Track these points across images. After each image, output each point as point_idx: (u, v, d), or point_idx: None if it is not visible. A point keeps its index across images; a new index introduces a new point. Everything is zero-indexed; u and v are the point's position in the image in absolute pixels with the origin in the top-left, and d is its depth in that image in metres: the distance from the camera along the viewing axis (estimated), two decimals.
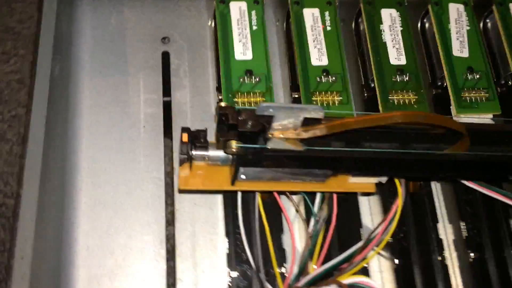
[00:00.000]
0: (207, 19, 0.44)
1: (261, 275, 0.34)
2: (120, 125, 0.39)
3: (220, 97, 0.38)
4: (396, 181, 0.35)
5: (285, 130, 0.30)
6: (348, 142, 0.31)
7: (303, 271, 0.34)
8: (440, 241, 0.37)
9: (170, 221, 0.37)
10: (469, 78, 0.39)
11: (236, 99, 0.36)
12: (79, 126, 0.38)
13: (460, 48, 0.41)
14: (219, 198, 0.37)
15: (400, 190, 0.35)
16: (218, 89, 0.39)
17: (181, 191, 0.37)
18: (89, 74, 0.40)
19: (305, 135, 0.30)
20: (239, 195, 0.35)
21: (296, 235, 0.36)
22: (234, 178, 0.32)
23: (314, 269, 0.34)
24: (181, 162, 0.32)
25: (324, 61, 0.39)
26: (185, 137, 0.32)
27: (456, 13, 0.42)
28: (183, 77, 0.42)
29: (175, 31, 0.43)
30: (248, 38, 0.38)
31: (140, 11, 0.43)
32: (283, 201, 0.35)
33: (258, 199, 0.35)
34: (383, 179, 0.35)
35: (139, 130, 0.39)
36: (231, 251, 0.35)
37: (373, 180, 0.34)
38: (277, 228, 0.36)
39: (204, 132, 0.32)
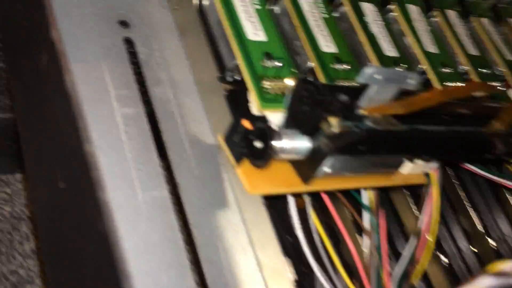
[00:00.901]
0: (167, 4, 0.36)
1: None
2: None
3: (227, 89, 0.30)
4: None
5: (373, 106, 0.25)
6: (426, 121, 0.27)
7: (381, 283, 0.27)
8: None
9: None
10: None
11: (264, 86, 0.29)
12: None
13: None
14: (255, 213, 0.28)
15: (435, 177, 0.32)
16: (222, 79, 0.31)
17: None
18: None
19: (400, 110, 0.25)
20: (292, 202, 0.27)
21: (350, 244, 0.29)
22: (311, 174, 0.24)
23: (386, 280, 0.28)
24: (241, 158, 0.23)
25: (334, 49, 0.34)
26: (247, 124, 0.23)
27: None
28: (157, 70, 0.32)
29: (132, 14, 0.33)
30: (256, 17, 0.32)
31: None
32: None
33: (296, 205, 0.28)
34: (431, 170, 0.31)
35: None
36: (299, 278, 0.26)
37: (424, 170, 0.31)
38: (332, 239, 0.29)
39: (265, 118, 0.24)
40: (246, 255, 0.29)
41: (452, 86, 0.29)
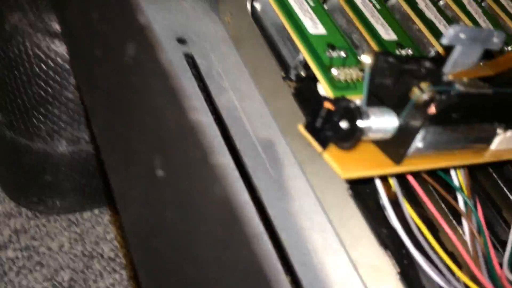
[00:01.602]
0: (217, 17, 0.36)
1: None
2: None
3: (293, 87, 0.30)
4: None
5: (459, 70, 0.23)
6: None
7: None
8: None
9: None
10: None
11: (334, 75, 0.28)
12: None
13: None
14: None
15: None
16: (287, 77, 0.30)
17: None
18: None
19: (489, 71, 0.23)
20: (382, 191, 0.25)
21: (449, 231, 0.27)
22: (403, 151, 0.23)
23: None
24: (328, 142, 0.22)
25: (394, 36, 0.33)
26: (329, 105, 0.22)
27: None
28: (219, 80, 0.32)
29: (188, 32, 0.34)
30: (312, 13, 0.31)
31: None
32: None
33: (387, 192, 0.26)
34: None
35: None
36: (403, 270, 0.24)
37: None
38: (430, 229, 0.26)
39: (345, 98, 0.23)
40: (337, 255, 0.27)
41: None
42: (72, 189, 0.35)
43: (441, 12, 0.39)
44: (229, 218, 0.13)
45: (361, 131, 0.22)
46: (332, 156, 0.22)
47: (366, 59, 0.23)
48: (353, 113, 0.22)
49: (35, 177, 0.34)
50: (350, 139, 0.22)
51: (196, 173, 0.15)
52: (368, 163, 0.23)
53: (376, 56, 0.22)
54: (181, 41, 0.33)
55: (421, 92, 0.21)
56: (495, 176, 0.32)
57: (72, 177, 0.34)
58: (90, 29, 0.22)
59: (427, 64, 0.22)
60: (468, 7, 0.42)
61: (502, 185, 0.31)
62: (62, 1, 0.27)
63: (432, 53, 0.35)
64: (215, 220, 0.14)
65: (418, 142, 0.23)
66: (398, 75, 0.22)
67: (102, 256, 0.39)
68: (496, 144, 0.28)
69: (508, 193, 0.31)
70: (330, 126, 0.22)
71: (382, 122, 0.22)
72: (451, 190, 0.28)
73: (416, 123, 0.22)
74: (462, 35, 0.22)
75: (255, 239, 0.13)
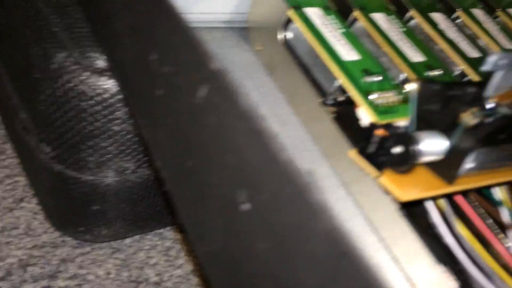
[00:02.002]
0: (248, 46, 0.37)
1: None
2: None
3: (333, 111, 0.31)
4: None
5: (501, 93, 0.25)
6: None
7: None
8: None
9: None
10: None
11: (373, 99, 0.29)
12: None
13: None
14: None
15: None
16: (326, 104, 0.31)
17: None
18: None
19: None
20: (433, 208, 0.26)
21: (498, 245, 0.28)
22: (455, 173, 0.24)
23: None
24: (381, 167, 0.23)
25: (422, 58, 0.35)
26: (382, 132, 0.23)
27: None
28: (257, 107, 0.33)
29: (222, 61, 0.35)
30: (343, 39, 0.33)
31: None
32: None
33: (438, 209, 0.27)
34: None
35: None
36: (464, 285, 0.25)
37: None
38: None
39: (392, 125, 0.24)
40: (392, 272, 0.28)
41: None
42: (118, 217, 0.36)
43: (460, 31, 0.41)
44: (335, 251, 0.14)
45: (415, 155, 0.23)
46: (390, 180, 0.23)
47: (412, 86, 0.24)
48: (406, 139, 0.23)
49: (83, 207, 0.35)
50: (406, 163, 0.23)
51: (291, 208, 0.16)
52: (422, 185, 0.24)
53: (421, 83, 0.24)
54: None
55: (471, 117, 0.22)
56: None
57: (117, 205, 0.35)
58: (148, 68, 0.23)
59: (471, 89, 0.24)
60: (484, 24, 0.44)
61: None
62: (111, 39, 0.28)
63: (456, 72, 0.36)
64: (318, 253, 0.15)
65: (468, 163, 0.24)
66: (445, 101, 0.23)
67: (147, 280, 0.40)
68: None
69: None
70: (384, 151, 0.23)
71: (434, 145, 0.23)
72: (494, 205, 0.29)
73: (466, 145, 0.23)
74: (501, 62, 0.23)
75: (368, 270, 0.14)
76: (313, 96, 0.34)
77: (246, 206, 0.17)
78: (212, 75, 0.18)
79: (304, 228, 0.15)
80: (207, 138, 0.19)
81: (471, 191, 0.28)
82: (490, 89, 0.24)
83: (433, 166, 0.25)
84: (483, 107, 0.23)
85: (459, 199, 0.28)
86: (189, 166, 0.20)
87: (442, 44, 0.39)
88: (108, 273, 0.39)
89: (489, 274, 0.25)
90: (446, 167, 0.24)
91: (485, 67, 0.23)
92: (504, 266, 0.27)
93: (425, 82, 0.24)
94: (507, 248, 0.28)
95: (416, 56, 0.36)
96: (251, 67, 0.37)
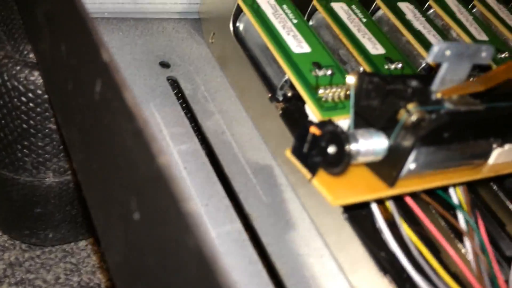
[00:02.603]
0: (201, 38, 0.35)
1: None
2: None
3: (280, 107, 0.29)
4: None
5: (448, 87, 0.22)
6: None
7: None
8: None
9: None
10: None
11: (321, 95, 0.27)
12: None
13: None
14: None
15: None
16: (273, 98, 0.29)
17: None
18: None
19: (479, 87, 0.22)
20: (378, 213, 0.24)
21: (451, 251, 0.26)
22: (395, 174, 0.22)
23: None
24: (316, 168, 0.21)
25: (382, 50, 0.32)
26: (316, 130, 0.21)
27: None
28: (205, 103, 0.31)
29: (171, 55, 0.33)
30: (295, 30, 0.30)
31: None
32: None
33: (383, 214, 0.25)
34: None
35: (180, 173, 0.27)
36: None
37: None
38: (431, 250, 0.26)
39: (332, 121, 0.22)
40: (336, 281, 0.27)
41: None
42: (64, 220, 0.34)
43: (430, 22, 0.39)
44: (202, 268, 0.12)
45: (349, 156, 0.21)
46: (321, 183, 0.21)
47: (350, 79, 0.22)
48: (340, 138, 0.21)
49: (25, 210, 0.33)
50: (340, 164, 0.21)
51: (168, 220, 0.14)
52: (360, 188, 0.22)
53: (360, 76, 0.22)
54: (164, 65, 0.33)
55: (409, 114, 0.20)
56: (497, 190, 0.31)
57: (62, 208, 0.33)
58: (62, 61, 0.21)
59: (414, 82, 0.22)
60: (458, 15, 0.41)
61: (504, 199, 0.30)
62: (35, 32, 0.26)
63: (423, 65, 0.34)
64: (191, 270, 0.13)
65: (410, 164, 0.22)
66: (384, 96, 0.21)
67: (99, 285, 0.38)
68: (493, 158, 0.27)
69: (511, 207, 0.30)
70: (318, 151, 0.21)
71: (371, 145, 0.21)
72: (451, 208, 0.27)
73: (406, 144, 0.21)
74: (448, 52, 0.21)
75: None
76: (263, 91, 0.32)
77: (136, 215, 0.15)
78: (104, 68, 0.16)
79: (178, 243, 0.13)
80: (105, 139, 0.17)
81: (421, 192, 0.26)
82: (436, 82, 0.22)
83: (373, 167, 0.23)
84: (424, 102, 0.21)
85: (410, 202, 0.25)
86: (95, 169, 0.18)
87: (408, 36, 0.36)
88: (57, 278, 0.37)
89: (434, 282, 0.23)
90: (386, 168, 0.22)
91: (430, 59, 0.21)
92: (454, 274, 0.25)
93: (364, 75, 0.22)
94: (461, 254, 0.26)
95: (376, 49, 0.34)
96: (203, 60, 0.35)
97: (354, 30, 0.33)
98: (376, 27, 0.35)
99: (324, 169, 0.22)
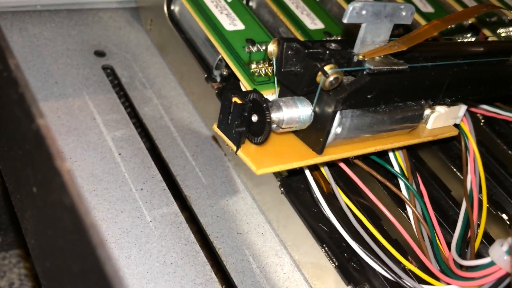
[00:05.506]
0: (140, 26, 0.34)
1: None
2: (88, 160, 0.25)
3: (217, 87, 0.28)
4: (461, 123, 0.29)
5: (370, 49, 0.22)
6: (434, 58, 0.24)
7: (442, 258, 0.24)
8: None
9: None
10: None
11: (254, 70, 0.27)
12: None
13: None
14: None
15: (467, 127, 0.29)
16: (209, 78, 0.29)
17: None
18: None
19: (401, 46, 0.22)
20: (314, 185, 0.24)
21: (392, 218, 0.26)
22: (322, 140, 0.21)
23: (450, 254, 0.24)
24: (240, 139, 0.21)
25: (321, 25, 0.32)
26: (238, 99, 0.21)
27: None
28: (142, 90, 0.30)
29: (108, 43, 0.32)
30: (228, 9, 0.30)
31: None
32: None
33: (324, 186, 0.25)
34: (458, 120, 0.28)
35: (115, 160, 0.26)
36: (341, 264, 0.23)
37: (452, 121, 0.28)
38: (371, 218, 0.25)
39: (256, 90, 0.22)
40: (280, 257, 0.26)
41: (454, 13, 0.26)
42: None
43: None
44: (76, 224, 0.12)
45: (270, 124, 0.20)
46: (246, 153, 0.21)
47: (271, 46, 0.22)
48: (261, 105, 0.20)
49: None
50: (262, 132, 0.20)
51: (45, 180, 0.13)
52: (287, 156, 0.21)
53: (279, 42, 0.21)
54: (100, 54, 0.32)
55: (326, 76, 0.20)
56: (441, 155, 0.31)
57: None
58: None
59: (333, 45, 0.21)
60: None
61: (449, 164, 0.30)
62: None
63: None
64: (65, 227, 0.13)
65: (336, 128, 0.21)
66: (303, 60, 0.20)
67: None
68: (431, 123, 0.27)
69: (456, 171, 0.30)
70: (242, 121, 0.21)
71: (294, 112, 0.21)
72: (395, 176, 0.27)
73: (328, 108, 0.21)
74: (364, 12, 0.21)
75: (100, 246, 0.12)
76: (201, 73, 0.31)
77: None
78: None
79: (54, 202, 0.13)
80: None
81: (359, 160, 0.25)
82: (357, 44, 0.22)
83: (301, 135, 0.22)
84: (343, 64, 0.21)
85: (347, 170, 0.25)
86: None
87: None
88: (11, 284, 0.36)
89: (374, 249, 0.23)
90: (313, 136, 0.21)
91: (345, 19, 0.20)
92: (395, 240, 0.24)
93: (283, 40, 0.21)
94: (403, 220, 0.26)
95: (314, 24, 0.34)
96: (141, 48, 0.35)
97: (292, 6, 0.33)
98: (316, 4, 0.34)
99: (248, 139, 0.21)
